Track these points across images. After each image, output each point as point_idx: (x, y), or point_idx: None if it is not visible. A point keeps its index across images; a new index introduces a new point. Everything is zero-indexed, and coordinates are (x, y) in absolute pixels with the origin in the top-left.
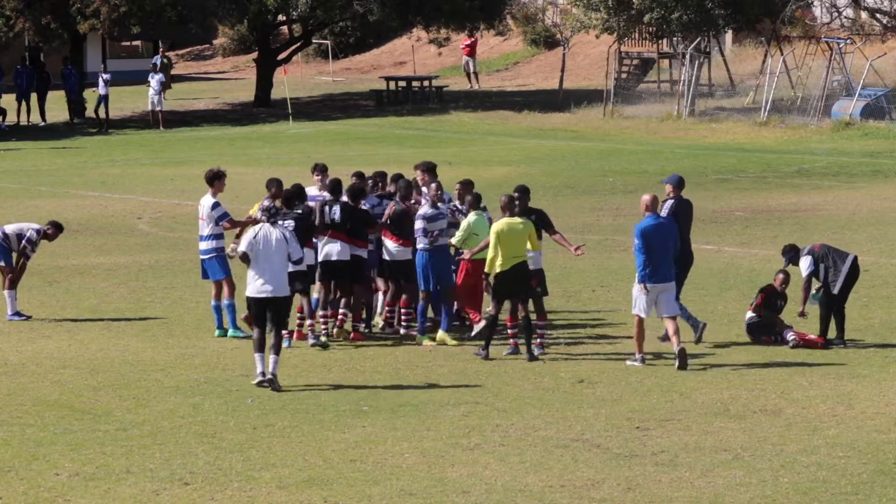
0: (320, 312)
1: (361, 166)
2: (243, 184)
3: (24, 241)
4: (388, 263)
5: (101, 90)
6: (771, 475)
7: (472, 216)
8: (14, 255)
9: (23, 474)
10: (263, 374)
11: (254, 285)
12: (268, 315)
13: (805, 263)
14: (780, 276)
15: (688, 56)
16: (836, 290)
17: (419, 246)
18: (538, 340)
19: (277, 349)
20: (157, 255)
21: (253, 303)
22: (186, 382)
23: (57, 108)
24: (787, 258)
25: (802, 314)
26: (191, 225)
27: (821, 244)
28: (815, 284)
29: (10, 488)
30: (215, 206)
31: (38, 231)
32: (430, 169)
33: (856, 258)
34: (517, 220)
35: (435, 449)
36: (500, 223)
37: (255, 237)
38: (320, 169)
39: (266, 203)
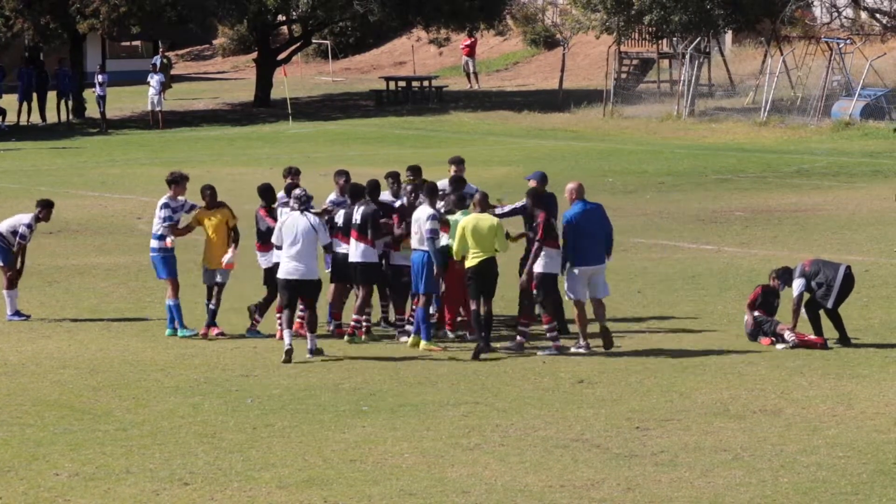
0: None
1: (361, 166)
2: (244, 184)
3: (17, 238)
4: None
5: (98, 91)
6: (771, 475)
7: (456, 216)
8: (13, 251)
9: (23, 474)
10: (290, 346)
11: (284, 269)
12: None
13: (797, 285)
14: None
15: (687, 56)
16: (829, 304)
17: (426, 247)
18: (518, 338)
19: (312, 327)
20: None
21: (283, 285)
22: (186, 382)
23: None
24: (781, 283)
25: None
26: None
27: (811, 260)
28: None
29: (10, 488)
30: (163, 206)
31: (28, 225)
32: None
33: (849, 269)
34: (485, 216)
35: (435, 449)
36: (468, 218)
37: (282, 225)
38: (293, 172)
39: (298, 192)
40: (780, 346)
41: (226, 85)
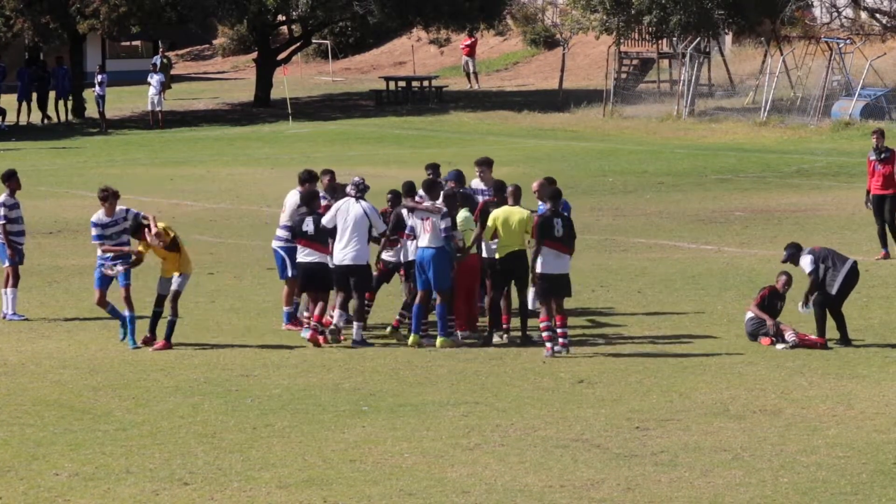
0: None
1: (361, 166)
2: (243, 184)
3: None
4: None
5: (98, 90)
6: (771, 475)
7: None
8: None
9: (23, 474)
10: (337, 326)
11: (336, 254)
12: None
13: (806, 261)
14: (783, 277)
15: (687, 56)
16: (833, 291)
17: (434, 244)
18: (561, 341)
19: (360, 316)
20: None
21: (335, 270)
22: (186, 382)
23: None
24: (787, 253)
25: (806, 304)
26: (190, 225)
27: (822, 247)
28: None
29: (10, 488)
30: (92, 225)
31: (2, 203)
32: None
33: (855, 263)
34: (517, 209)
35: (435, 449)
36: (501, 209)
37: (337, 211)
38: (311, 177)
39: (357, 180)
40: (780, 346)
41: (226, 85)
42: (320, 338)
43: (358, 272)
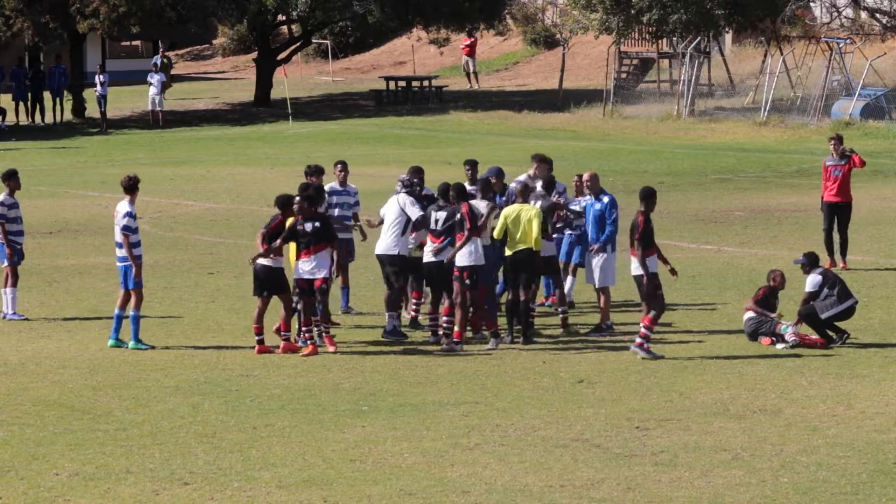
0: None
1: (361, 166)
2: (243, 184)
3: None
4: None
5: (99, 90)
6: (771, 475)
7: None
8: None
9: (23, 474)
10: (395, 329)
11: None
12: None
13: (812, 281)
14: (778, 275)
15: (687, 56)
16: (823, 315)
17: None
18: (638, 341)
19: (391, 305)
20: (157, 255)
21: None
22: (186, 382)
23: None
24: (803, 260)
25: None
26: (190, 225)
27: (835, 274)
28: (790, 320)
29: (10, 488)
30: (126, 215)
31: (1, 203)
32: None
33: (856, 303)
34: (528, 206)
35: (435, 449)
36: (511, 207)
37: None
38: (316, 171)
39: (404, 177)
40: (780, 346)
41: (226, 85)
42: (281, 345)
43: (391, 262)
